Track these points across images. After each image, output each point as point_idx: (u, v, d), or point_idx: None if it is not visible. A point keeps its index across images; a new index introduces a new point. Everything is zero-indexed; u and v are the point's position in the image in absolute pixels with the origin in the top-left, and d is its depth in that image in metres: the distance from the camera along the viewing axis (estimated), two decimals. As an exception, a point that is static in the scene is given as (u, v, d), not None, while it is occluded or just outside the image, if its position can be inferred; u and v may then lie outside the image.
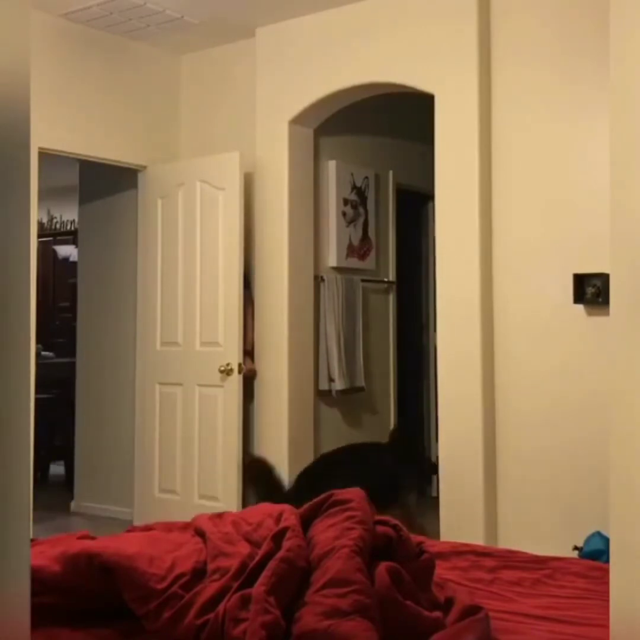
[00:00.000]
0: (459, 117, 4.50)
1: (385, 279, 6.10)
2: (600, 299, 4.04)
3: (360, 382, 5.65)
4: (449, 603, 2.15)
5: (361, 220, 5.83)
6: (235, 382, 5.08)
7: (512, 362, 4.40)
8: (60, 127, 5.08)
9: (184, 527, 2.60)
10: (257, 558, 2.11)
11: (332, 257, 5.60)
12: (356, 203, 5.77)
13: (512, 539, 4.23)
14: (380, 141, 6.07)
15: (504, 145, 4.45)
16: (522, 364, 4.37)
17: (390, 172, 6.14)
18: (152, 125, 5.63)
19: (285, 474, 5.03)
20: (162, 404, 5.43)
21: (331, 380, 5.43)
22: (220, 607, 1.98)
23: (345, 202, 5.68)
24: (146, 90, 5.60)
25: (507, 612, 2.31)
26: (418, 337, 6.83)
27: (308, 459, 5.22)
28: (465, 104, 4.46)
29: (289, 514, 2.34)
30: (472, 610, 2.08)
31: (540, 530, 4.25)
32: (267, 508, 2.54)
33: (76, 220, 7.17)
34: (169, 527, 2.65)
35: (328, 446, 5.43)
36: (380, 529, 2.23)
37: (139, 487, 5.57)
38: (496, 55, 4.47)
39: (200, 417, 5.23)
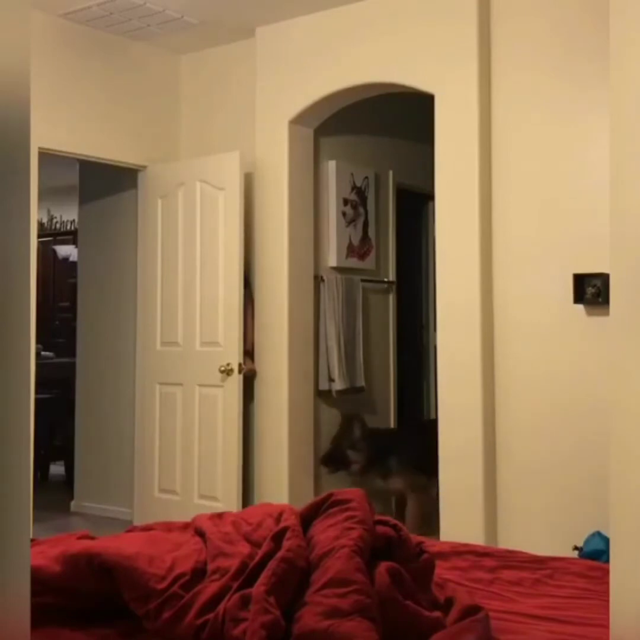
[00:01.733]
0: (459, 117, 4.50)
1: (385, 279, 6.09)
2: (600, 299, 4.04)
3: (360, 382, 5.64)
4: (449, 603, 2.15)
5: (361, 220, 5.82)
6: (235, 382, 5.08)
7: (512, 362, 4.40)
8: (60, 127, 5.07)
9: (184, 527, 2.60)
10: (257, 558, 2.11)
11: (332, 257, 5.59)
12: (356, 203, 5.77)
13: (512, 539, 4.22)
14: (380, 141, 6.07)
15: (504, 145, 4.44)
16: (522, 364, 4.36)
17: (390, 172, 6.14)
18: (152, 125, 5.62)
19: (285, 474, 5.03)
20: (162, 404, 5.43)
21: (331, 380, 5.42)
22: (220, 607, 1.98)
23: (345, 202, 5.68)
24: (146, 90, 5.59)
25: (507, 612, 2.31)
26: (418, 337, 6.83)
27: (308, 458, 5.22)
28: (465, 104, 4.46)
29: (289, 514, 2.33)
30: (472, 610, 2.08)
31: (540, 530, 4.25)
32: (267, 508, 2.54)
33: (76, 220, 7.17)
34: (169, 527, 2.64)
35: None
36: (380, 529, 2.23)
37: (138, 487, 5.56)
38: (496, 55, 4.47)
39: (200, 417, 5.23)
